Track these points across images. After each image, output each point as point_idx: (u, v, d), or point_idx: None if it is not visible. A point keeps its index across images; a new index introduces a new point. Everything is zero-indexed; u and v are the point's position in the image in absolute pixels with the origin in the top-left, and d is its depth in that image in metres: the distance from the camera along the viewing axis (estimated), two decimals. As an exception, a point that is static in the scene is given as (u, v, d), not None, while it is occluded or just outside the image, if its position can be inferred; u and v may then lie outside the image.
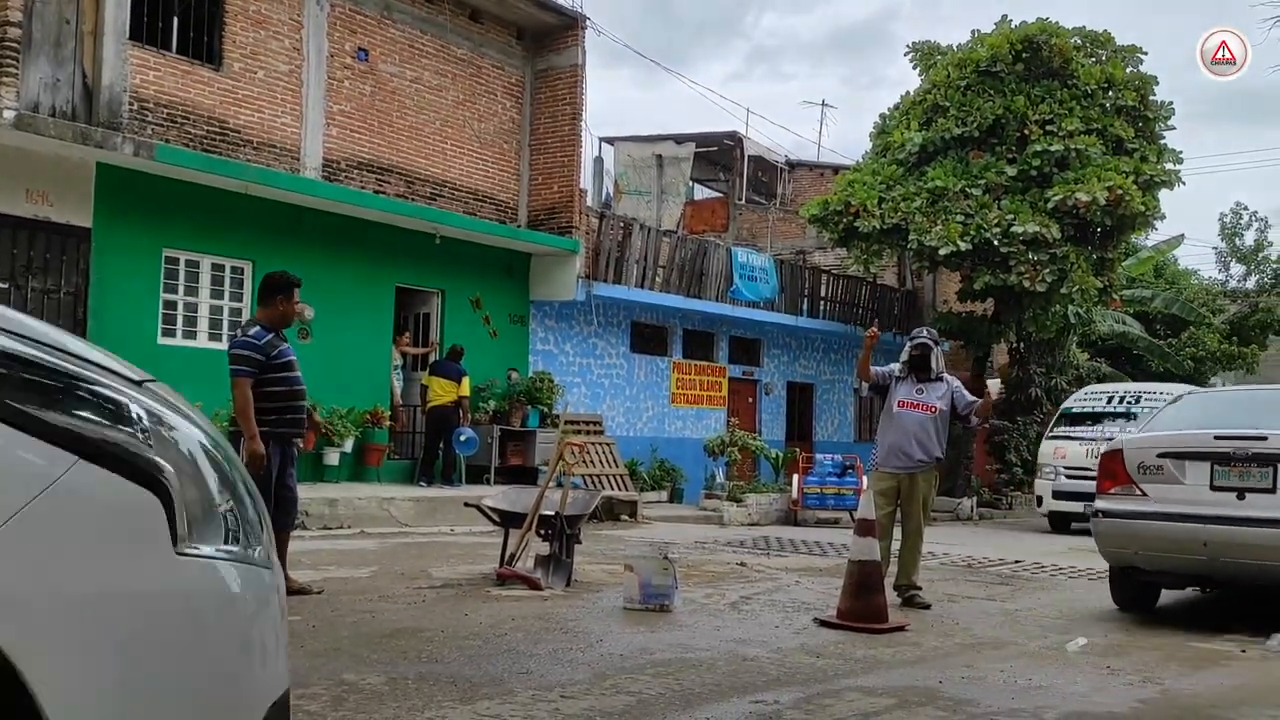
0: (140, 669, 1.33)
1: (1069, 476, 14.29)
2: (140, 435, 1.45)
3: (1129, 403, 15.05)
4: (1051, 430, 15.57)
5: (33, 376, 1.33)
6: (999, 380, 9.17)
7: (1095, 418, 15.04)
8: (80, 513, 1.33)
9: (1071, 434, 14.96)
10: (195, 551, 1.46)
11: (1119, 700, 4.39)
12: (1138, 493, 6.39)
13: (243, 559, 1.59)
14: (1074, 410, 15.58)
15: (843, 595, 6.09)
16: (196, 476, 1.52)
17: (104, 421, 1.41)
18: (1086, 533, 13.22)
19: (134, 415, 1.46)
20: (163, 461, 1.45)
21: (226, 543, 1.56)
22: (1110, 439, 13.78)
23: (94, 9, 10.37)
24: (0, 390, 1.27)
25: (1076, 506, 13.90)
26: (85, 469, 1.33)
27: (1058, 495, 14.48)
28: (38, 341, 1.40)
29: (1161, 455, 6.36)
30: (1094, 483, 12.88)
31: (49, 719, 1.17)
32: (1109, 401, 15.44)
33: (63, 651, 1.21)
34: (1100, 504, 6.61)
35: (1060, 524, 14.58)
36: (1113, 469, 6.58)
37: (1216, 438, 6.23)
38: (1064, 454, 14.61)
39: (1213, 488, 6.13)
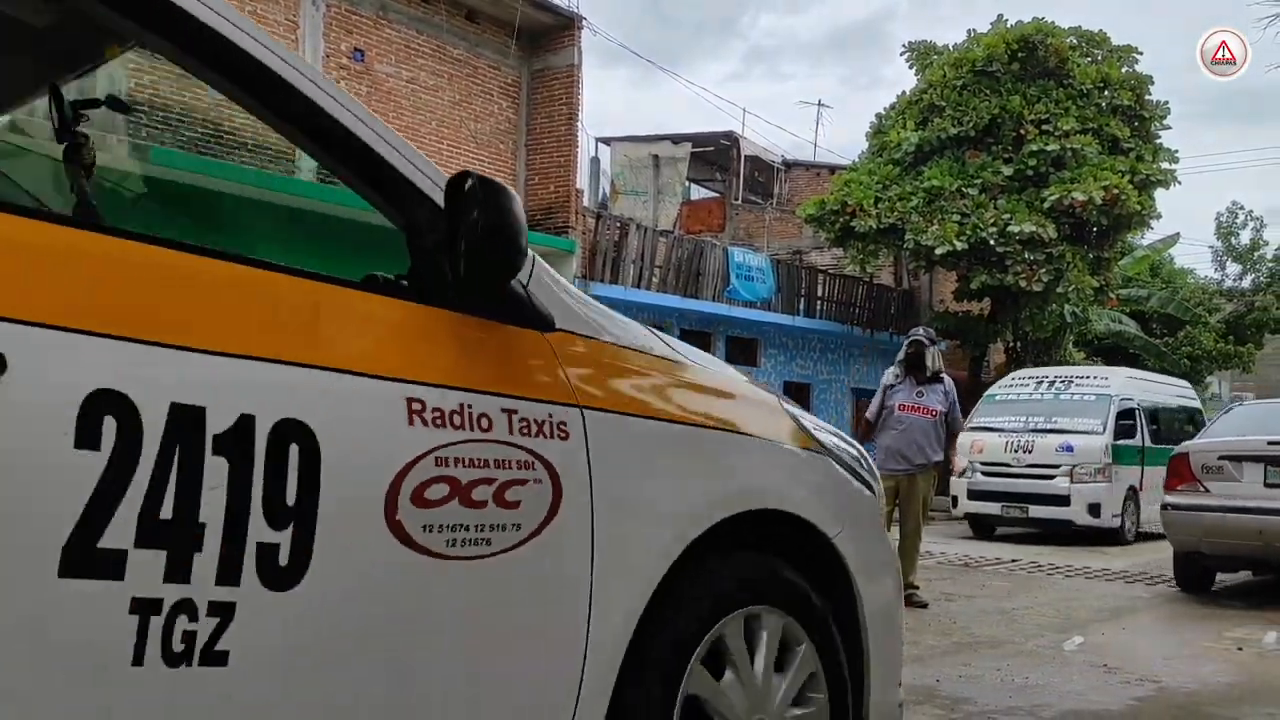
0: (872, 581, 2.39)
1: (985, 474, 12.50)
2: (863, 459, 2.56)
3: (1058, 388, 13.25)
4: (972, 419, 12.97)
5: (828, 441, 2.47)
6: (964, 463, 9.53)
7: (1021, 406, 13.16)
8: (864, 508, 2.42)
9: (991, 425, 13.00)
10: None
11: (1116, 699, 4.39)
12: (1201, 489, 7.41)
13: None
14: (998, 397, 13.73)
15: (840, 595, 6.08)
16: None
17: (857, 461, 2.50)
18: (1012, 539, 12.54)
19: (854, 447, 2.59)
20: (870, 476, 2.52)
21: None
22: (1034, 430, 12.58)
23: (89, 10, 10.36)
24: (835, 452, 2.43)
25: (994, 508, 12.41)
26: (859, 485, 2.43)
27: (974, 495, 12.57)
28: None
29: (1222, 458, 7.40)
30: (1012, 480, 12.43)
31: (845, 556, 2.27)
32: (1037, 387, 13.54)
33: (844, 527, 2.28)
34: (1169, 499, 7.68)
35: (981, 528, 12.82)
36: (1180, 469, 7.62)
37: (1270, 443, 7.25)
38: (981, 448, 12.61)
39: (1266, 485, 7.13)
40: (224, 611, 1.33)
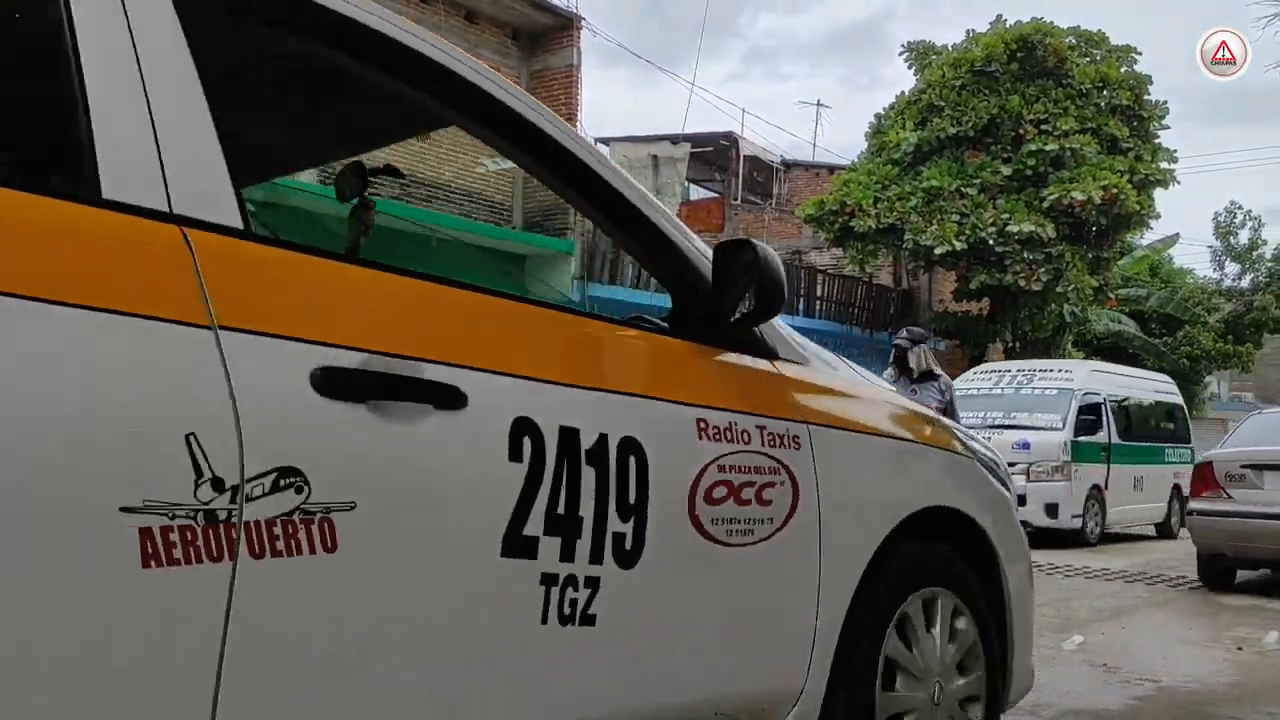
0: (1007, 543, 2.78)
1: None
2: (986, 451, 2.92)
3: (1020, 382, 12.59)
4: None
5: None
6: None
7: (980, 401, 12.39)
8: (1004, 503, 2.82)
9: None
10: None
11: (1116, 698, 4.38)
12: (1225, 496, 7.88)
13: None
14: (958, 392, 12.56)
15: (839, 595, 6.06)
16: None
17: (995, 464, 2.86)
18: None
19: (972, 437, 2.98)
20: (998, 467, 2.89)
21: None
22: (990, 426, 11.74)
23: (87, 10, 10.35)
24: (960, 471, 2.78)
25: None
26: (998, 484, 2.82)
27: None
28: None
29: (1244, 466, 7.86)
30: None
31: (995, 544, 2.66)
32: (998, 381, 12.87)
33: (993, 520, 2.67)
34: (1194, 505, 8.24)
35: None
36: (1204, 476, 8.13)
37: None
38: None
39: None
40: (594, 584, 1.73)
